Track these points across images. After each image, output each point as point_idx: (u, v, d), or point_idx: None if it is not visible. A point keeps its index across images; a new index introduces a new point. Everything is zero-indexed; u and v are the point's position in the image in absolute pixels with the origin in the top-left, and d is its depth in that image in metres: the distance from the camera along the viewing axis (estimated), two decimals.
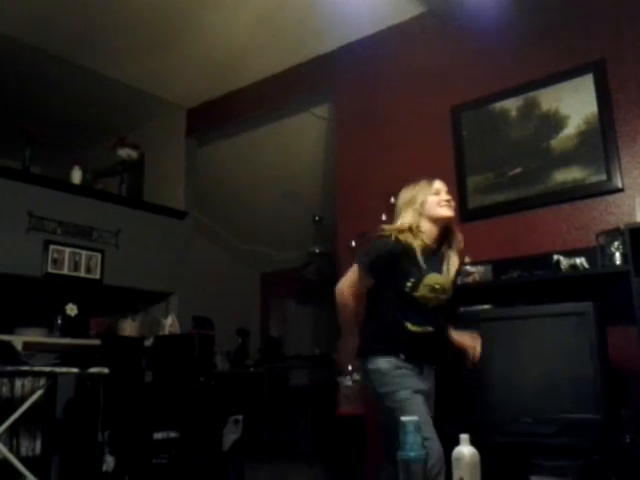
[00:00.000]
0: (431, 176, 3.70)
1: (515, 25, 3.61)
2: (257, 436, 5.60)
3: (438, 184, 2.40)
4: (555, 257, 3.03)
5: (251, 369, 6.28)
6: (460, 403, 2.88)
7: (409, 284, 2.24)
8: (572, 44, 3.38)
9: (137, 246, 4.95)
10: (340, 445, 3.87)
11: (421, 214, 2.32)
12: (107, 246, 4.74)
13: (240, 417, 4.70)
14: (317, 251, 6.52)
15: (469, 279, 3.30)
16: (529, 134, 3.46)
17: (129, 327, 4.76)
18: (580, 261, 2.96)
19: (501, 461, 2.40)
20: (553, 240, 3.25)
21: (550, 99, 3.41)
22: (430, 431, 2.16)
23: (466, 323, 2.94)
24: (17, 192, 4.28)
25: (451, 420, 2.97)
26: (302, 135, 5.40)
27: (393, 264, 2.26)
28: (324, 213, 6.09)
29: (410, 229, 2.29)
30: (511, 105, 3.55)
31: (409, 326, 2.25)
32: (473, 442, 1.87)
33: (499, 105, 3.60)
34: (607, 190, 3.15)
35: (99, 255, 4.66)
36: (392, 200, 3.88)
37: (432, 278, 2.27)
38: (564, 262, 2.99)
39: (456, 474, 1.80)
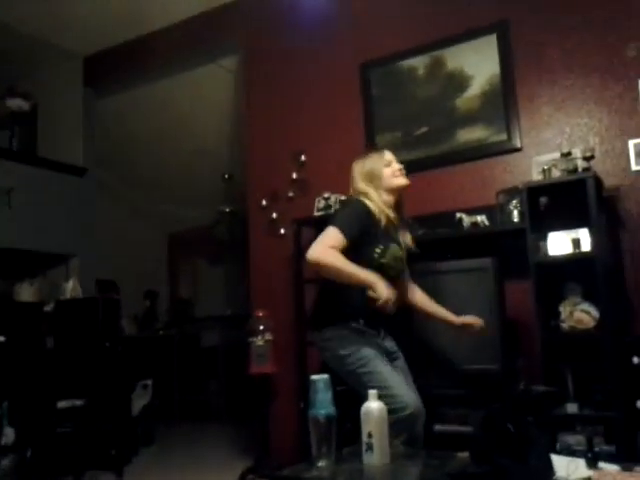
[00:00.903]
0: (342, 134, 3.75)
1: None
2: (168, 399, 5.54)
3: (388, 155, 2.46)
4: (458, 215, 3.13)
5: (160, 332, 6.16)
6: None
7: (378, 250, 2.28)
8: (478, 4, 3.43)
9: (32, 205, 4.64)
10: (251, 403, 3.89)
11: (379, 187, 2.38)
12: None
13: (149, 382, 4.62)
14: (227, 210, 6.41)
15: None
16: (435, 93, 3.51)
17: (26, 292, 4.50)
18: (481, 219, 3.08)
19: None
20: (456, 198, 3.35)
21: (455, 58, 3.46)
22: (398, 387, 2.19)
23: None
24: None
25: None
26: (209, 88, 5.21)
27: (366, 229, 2.28)
28: (234, 170, 5.95)
29: (376, 201, 2.34)
30: (419, 63, 3.58)
31: (371, 293, 2.19)
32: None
33: (407, 63, 3.61)
34: (507, 149, 3.27)
35: None
36: (303, 158, 3.88)
37: (395, 248, 2.35)
38: (466, 220, 3.10)
39: (365, 429, 1.85)
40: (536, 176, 3.03)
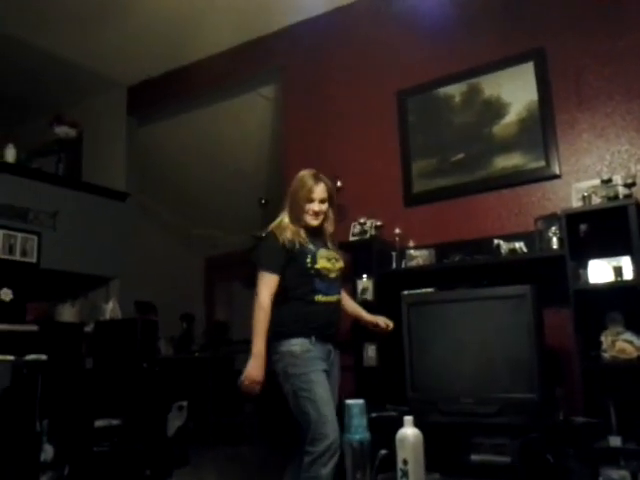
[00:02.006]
0: (378, 160, 3.78)
1: (461, 10, 3.65)
2: (202, 421, 5.56)
3: (317, 192, 2.54)
4: (495, 241, 3.11)
5: (196, 354, 6.20)
6: (403, 384, 2.94)
7: (308, 260, 2.46)
8: (514, 32, 3.45)
9: (76, 228, 4.78)
10: (285, 426, 3.88)
11: (294, 213, 2.54)
12: (44, 228, 4.56)
13: (185, 403, 4.65)
14: (263, 235, 6.46)
15: (412, 263, 3.35)
16: (472, 120, 3.52)
17: (68, 312, 4.61)
18: (519, 245, 3.05)
19: (443, 441, 2.46)
20: (493, 225, 3.33)
21: (492, 86, 3.48)
22: (329, 411, 2.30)
23: (408, 306, 3.00)
24: None
25: (392, 401, 3.04)
26: (248, 116, 5.32)
27: (289, 253, 2.47)
28: (270, 196, 6.03)
29: (288, 226, 2.52)
30: (455, 90, 3.60)
31: (319, 298, 2.45)
32: (415, 423, 1.91)
33: (443, 90, 3.64)
34: (545, 176, 3.25)
35: (35, 237, 4.48)
36: (339, 184, 3.92)
37: (323, 252, 2.52)
38: (504, 246, 3.08)
39: (400, 455, 1.83)
40: (576, 203, 3.00)
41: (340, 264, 2.58)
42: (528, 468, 1.65)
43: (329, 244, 2.60)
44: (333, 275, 2.53)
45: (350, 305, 2.77)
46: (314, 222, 2.55)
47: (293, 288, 2.46)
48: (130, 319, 4.51)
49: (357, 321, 2.85)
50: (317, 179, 2.57)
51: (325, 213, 2.58)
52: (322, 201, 2.55)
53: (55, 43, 4.64)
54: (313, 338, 2.41)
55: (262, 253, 2.56)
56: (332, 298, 2.52)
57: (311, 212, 2.54)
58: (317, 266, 2.46)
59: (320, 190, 2.55)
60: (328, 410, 2.30)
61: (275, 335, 2.45)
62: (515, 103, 3.38)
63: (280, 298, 2.47)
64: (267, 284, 2.44)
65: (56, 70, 5.01)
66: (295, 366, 2.37)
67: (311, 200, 2.53)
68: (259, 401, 5.83)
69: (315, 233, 2.58)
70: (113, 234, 5.10)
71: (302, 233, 2.51)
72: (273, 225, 2.58)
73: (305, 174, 2.59)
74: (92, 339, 4.26)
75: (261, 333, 2.38)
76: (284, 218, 2.56)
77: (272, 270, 2.45)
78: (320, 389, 2.34)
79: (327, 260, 2.51)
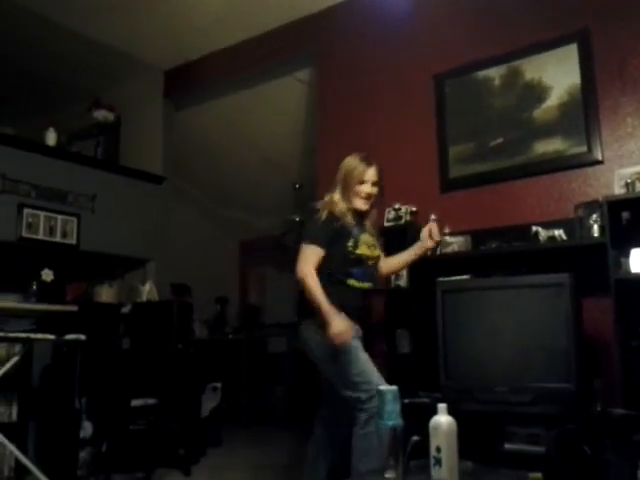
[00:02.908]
0: (414, 144, 3.74)
1: None
2: (235, 402, 5.64)
3: (369, 173, 2.58)
4: (534, 228, 3.04)
5: (230, 336, 6.28)
6: (436, 371, 2.92)
7: (350, 244, 2.50)
8: (557, 13, 3.35)
9: (114, 211, 4.86)
10: (317, 409, 3.91)
11: (346, 194, 2.58)
12: (83, 210, 4.65)
13: (219, 384, 4.73)
14: (297, 219, 6.48)
15: (448, 249, 3.31)
16: (512, 104, 3.44)
17: (106, 293, 4.71)
18: (558, 233, 2.98)
19: (477, 429, 2.44)
20: (532, 211, 3.26)
21: (533, 68, 3.38)
22: (375, 373, 2.38)
23: (443, 293, 2.97)
24: None
25: (425, 387, 3.03)
26: (283, 99, 5.31)
27: (335, 232, 2.50)
28: (304, 180, 6.03)
29: (339, 205, 2.55)
30: (494, 74, 3.52)
31: (352, 283, 2.50)
32: (448, 410, 1.89)
33: (482, 73, 3.56)
34: (587, 162, 3.16)
35: (75, 220, 4.57)
36: None
37: (365, 237, 2.56)
38: (542, 233, 3.01)
39: (433, 443, 1.83)
40: (618, 190, 2.91)
41: (378, 252, 2.62)
42: (564, 459, 1.62)
43: (371, 229, 2.62)
44: (370, 262, 2.56)
45: (395, 261, 2.78)
46: (364, 206, 2.58)
47: (329, 268, 2.49)
48: (166, 301, 4.59)
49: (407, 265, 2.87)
50: (370, 161, 2.60)
51: (375, 197, 2.60)
52: (374, 184, 2.58)
53: (92, 27, 4.69)
54: (342, 314, 2.44)
55: (309, 227, 2.61)
56: (364, 285, 2.56)
57: (363, 194, 2.56)
58: (358, 251, 2.51)
59: (372, 173, 2.58)
60: (374, 372, 2.38)
61: (306, 313, 2.49)
62: (557, 86, 3.29)
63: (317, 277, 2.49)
64: (311, 257, 2.46)
65: (94, 54, 5.07)
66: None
67: (363, 182, 2.56)
68: (290, 383, 5.89)
69: (360, 217, 2.60)
70: (149, 217, 5.17)
71: (350, 216, 2.53)
72: (322, 202, 2.61)
73: (358, 156, 2.63)
74: (129, 320, 4.35)
75: (320, 295, 2.38)
76: (334, 195, 2.58)
77: (317, 243, 2.47)
78: (359, 350, 2.41)
79: (367, 247, 2.54)
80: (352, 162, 2.61)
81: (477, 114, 3.56)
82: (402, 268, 2.93)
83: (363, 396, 2.33)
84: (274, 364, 6.10)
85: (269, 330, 6.46)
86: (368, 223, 2.64)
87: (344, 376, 2.39)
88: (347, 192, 2.56)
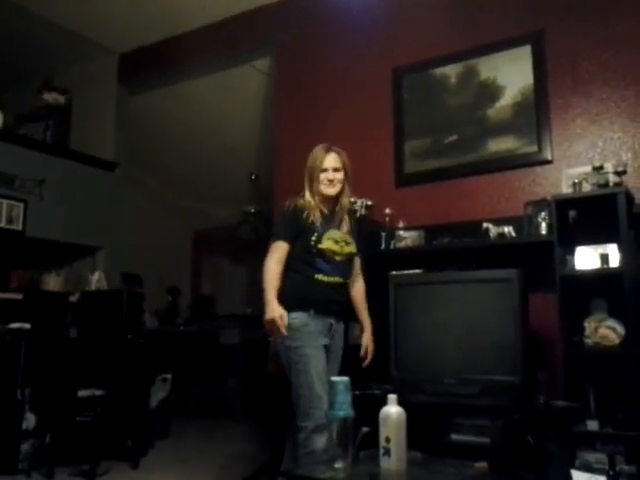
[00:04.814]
0: (371, 138, 3.75)
1: None
2: (185, 394, 5.58)
3: (328, 160, 2.61)
4: (484, 225, 3.11)
5: (181, 327, 6.21)
6: (386, 363, 2.95)
7: (314, 238, 2.52)
8: (512, 13, 3.41)
9: (63, 197, 4.73)
10: (268, 403, 3.91)
11: (313, 186, 2.61)
12: (30, 196, 4.51)
13: (168, 376, 4.67)
14: (252, 210, 6.44)
15: (402, 244, 3.35)
16: (467, 102, 3.50)
17: (53, 282, 4.58)
18: (508, 229, 3.05)
19: (425, 420, 2.48)
20: (483, 208, 3.33)
21: (489, 68, 3.45)
22: (320, 388, 2.34)
23: (396, 287, 3.00)
24: None
25: (376, 379, 3.06)
26: (241, 89, 5.25)
27: (299, 226, 2.54)
28: (260, 171, 5.99)
29: (307, 201, 2.59)
30: (451, 71, 3.57)
31: (319, 277, 2.51)
32: (398, 402, 1.92)
33: (440, 70, 3.61)
34: (537, 161, 3.24)
35: (21, 205, 4.43)
36: None
37: (332, 233, 2.56)
38: (493, 230, 3.08)
39: (383, 433, 1.85)
40: (566, 189, 3.00)
41: (350, 249, 2.61)
42: (508, 449, 1.67)
43: (344, 226, 2.63)
44: (339, 258, 2.56)
45: (358, 305, 2.76)
46: (330, 190, 2.59)
47: (295, 262, 2.52)
48: (116, 290, 4.49)
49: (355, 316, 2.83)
50: (328, 149, 2.63)
51: (341, 183, 2.61)
52: (335, 169, 2.60)
53: (46, 7, 4.53)
54: (312, 311, 2.46)
55: (275, 224, 2.64)
56: (336, 280, 2.56)
57: (325, 181, 2.58)
58: (320, 246, 2.51)
59: (331, 159, 2.61)
60: (319, 386, 2.34)
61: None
62: (510, 86, 3.36)
63: (285, 272, 2.53)
64: (275, 251, 2.50)
65: (46, 35, 4.90)
66: (293, 339, 2.42)
67: (324, 169, 2.59)
68: (242, 375, 5.87)
69: (332, 213, 2.62)
70: (100, 204, 5.05)
71: (318, 212, 2.56)
72: (290, 198, 2.64)
73: (317, 148, 2.66)
74: (77, 309, 4.25)
75: (270, 287, 2.42)
76: (305, 193, 2.61)
77: (281, 237, 2.52)
78: (314, 364, 2.39)
79: (334, 242, 2.54)
80: (313, 153, 2.65)
81: (433, 110, 3.61)
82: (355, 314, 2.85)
83: (301, 411, 2.35)
84: (226, 356, 6.06)
85: (222, 322, 6.41)
86: (345, 222, 2.64)
87: (293, 385, 2.42)
88: (313, 184, 2.59)
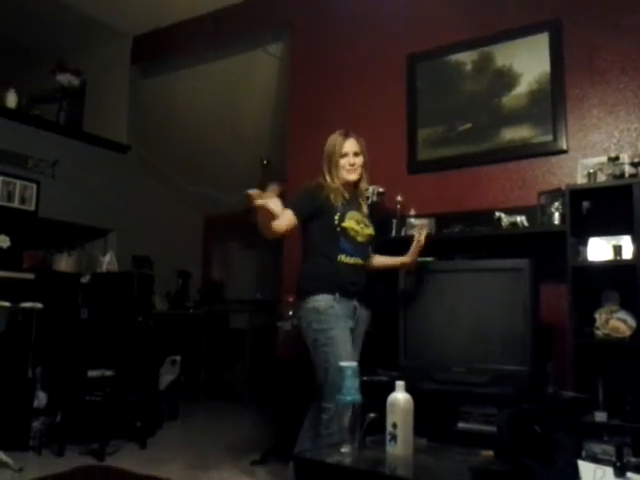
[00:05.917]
0: (384, 124, 3.73)
1: None
2: (194, 377, 5.63)
3: (347, 146, 2.62)
4: (497, 214, 3.09)
5: (191, 310, 6.24)
6: (396, 350, 2.96)
7: (336, 217, 2.52)
8: (530, 1, 3.36)
9: (75, 178, 4.75)
10: (276, 387, 3.93)
11: (333, 171, 2.61)
12: (43, 177, 4.53)
13: (178, 358, 4.70)
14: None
15: (413, 231, 3.33)
16: (482, 89, 3.46)
17: (65, 262, 4.61)
18: (520, 219, 3.03)
19: (432, 408, 2.49)
20: (496, 197, 3.31)
21: (505, 55, 3.40)
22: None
23: (406, 274, 3.00)
24: None
25: (385, 366, 3.07)
26: (254, 73, 5.22)
27: (320, 202, 2.53)
28: (272, 156, 5.97)
29: (329, 183, 2.59)
30: (467, 58, 3.53)
31: (342, 258, 2.52)
32: (406, 389, 1.92)
33: (454, 57, 3.57)
34: (552, 151, 3.21)
35: (34, 186, 4.46)
36: None
37: (354, 213, 2.58)
38: (505, 219, 3.06)
39: (390, 419, 1.85)
40: (581, 179, 2.97)
41: (369, 230, 2.63)
42: (515, 438, 1.67)
43: (363, 208, 2.65)
44: (360, 239, 2.58)
45: (383, 260, 2.81)
46: (352, 175, 2.61)
47: (318, 244, 2.54)
48: (127, 272, 4.52)
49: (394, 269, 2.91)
50: (346, 135, 2.64)
51: (362, 168, 2.63)
52: (355, 154, 2.61)
53: None
54: (337, 295, 2.47)
55: (295, 196, 2.62)
56: (357, 260, 2.57)
57: (347, 166, 2.59)
58: (344, 224, 2.52)
59: (351, 144, 2.62)
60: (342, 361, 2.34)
61: (301, 292, 2.54)
62: (527, 74, 3.32)
63: (306, 255, 2.57)
64: (285, 219, 2.43)
65: (61, 17, 4.90)
66: (319, 322, 2.44)
67: (344, 155, 2.59)
68: (250, 360, 5.90)
69: (352, 196, 2.62)
70: (112, 186, 5.07)
71: (340, 194, 2.56)
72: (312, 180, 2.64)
73: (334, 134, 2.66)
74: (88, 290, 4.28)
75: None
76: (325, 178, 2.61)
77: (290, 206, 2.47)
78: (340, 346, 2.39)
79: (356, 222, 2.56)
80: (330, 140, 2.65)
81: (447, 98, 3.58)
82: (387, 269, 2.88)
83: (326, 391, 2.34)
84: (235, 340, 6.09)
85: (231, 306, 6.44)
86: (363, 204, 2.67)
87: (319, 367, 2.41)
88: (333, 169, 2.59)
